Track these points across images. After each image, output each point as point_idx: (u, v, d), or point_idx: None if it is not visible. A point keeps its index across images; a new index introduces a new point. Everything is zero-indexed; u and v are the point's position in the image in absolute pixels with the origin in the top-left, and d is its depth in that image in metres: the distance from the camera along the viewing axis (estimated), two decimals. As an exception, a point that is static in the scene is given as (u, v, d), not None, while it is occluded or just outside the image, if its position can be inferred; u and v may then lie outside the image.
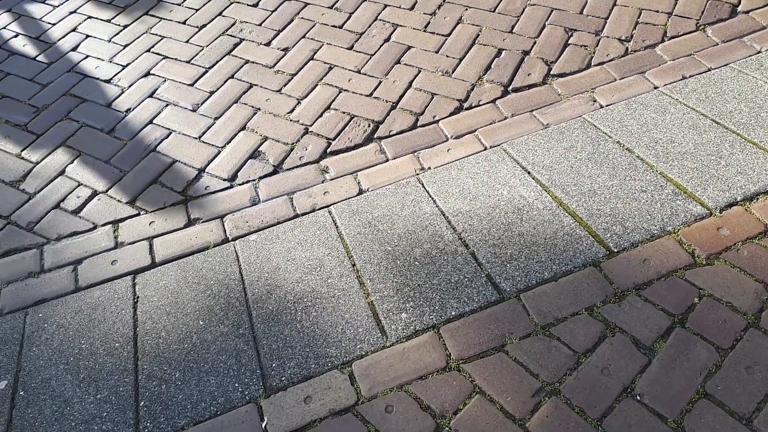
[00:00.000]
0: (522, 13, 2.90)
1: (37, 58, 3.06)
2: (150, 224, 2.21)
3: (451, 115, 2.49)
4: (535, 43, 2.74)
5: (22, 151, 2.58)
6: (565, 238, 1.92)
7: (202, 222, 2.19)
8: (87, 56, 3.03)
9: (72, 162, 2.50)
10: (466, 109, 2.51)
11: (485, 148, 2.30)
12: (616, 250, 1.87)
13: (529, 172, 2.15)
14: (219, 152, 2.46)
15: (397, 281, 1.88)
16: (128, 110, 2.70)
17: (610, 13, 2.83)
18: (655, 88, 2.41)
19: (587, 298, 1.76)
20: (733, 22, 2.67)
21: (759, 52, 2.49)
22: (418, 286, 1.85)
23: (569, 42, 2.72)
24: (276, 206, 2.21)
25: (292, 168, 2.36)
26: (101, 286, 2.01)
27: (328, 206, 2.17)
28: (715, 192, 1.98)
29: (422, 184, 2.18)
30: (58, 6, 3.40)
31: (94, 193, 2.36)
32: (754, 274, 1.76)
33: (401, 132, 2.45)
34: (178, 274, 2.00)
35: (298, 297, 1.88)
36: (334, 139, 2.46)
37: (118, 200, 2.32)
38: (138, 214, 2.26)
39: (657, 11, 2.79)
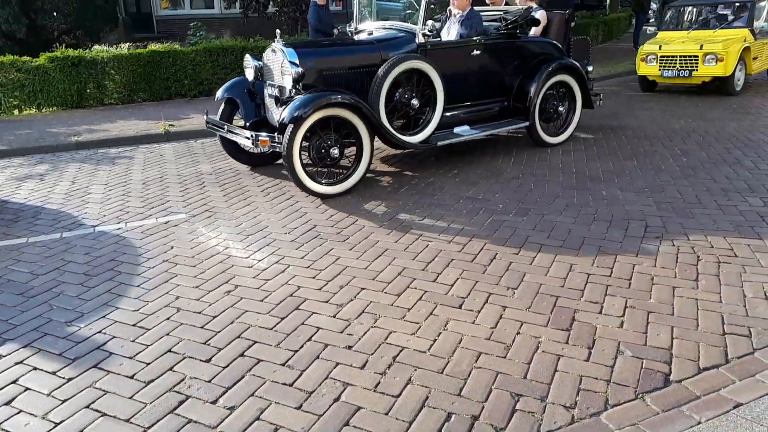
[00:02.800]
0: (469, 376, 2.99)
1: (-36, 415, 2.88)
2: None
3: (401, 486, 2.33)
4: (483, 407, 2.76)
5: None
6: None
7: None
8: (20, 411, 2.87)
9: None
10: (418, 479, 2.37)
11: None
12: None
13: None
14: None
15: None
16: (46, 477, 2.45)
17: (552, 378, 2.94)
18: (608, 460, 2.37)
19: None
20: (669, 391, 2.79)
21: (699, 422, 2.55)
22: None
23: (516, 408, 2.75)
24: None
25: None
26: None
27: None
28: None
29: None
30: (6, 355, 3.36)
31: None
32: None
33: (347, 507, 2.25)
34: None
35: None
36: None
37: None
38: None
39: (596, 378, 2.93)
